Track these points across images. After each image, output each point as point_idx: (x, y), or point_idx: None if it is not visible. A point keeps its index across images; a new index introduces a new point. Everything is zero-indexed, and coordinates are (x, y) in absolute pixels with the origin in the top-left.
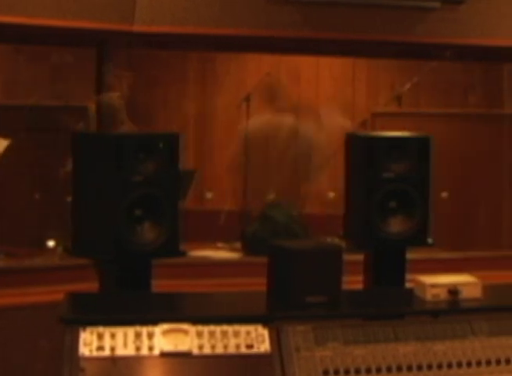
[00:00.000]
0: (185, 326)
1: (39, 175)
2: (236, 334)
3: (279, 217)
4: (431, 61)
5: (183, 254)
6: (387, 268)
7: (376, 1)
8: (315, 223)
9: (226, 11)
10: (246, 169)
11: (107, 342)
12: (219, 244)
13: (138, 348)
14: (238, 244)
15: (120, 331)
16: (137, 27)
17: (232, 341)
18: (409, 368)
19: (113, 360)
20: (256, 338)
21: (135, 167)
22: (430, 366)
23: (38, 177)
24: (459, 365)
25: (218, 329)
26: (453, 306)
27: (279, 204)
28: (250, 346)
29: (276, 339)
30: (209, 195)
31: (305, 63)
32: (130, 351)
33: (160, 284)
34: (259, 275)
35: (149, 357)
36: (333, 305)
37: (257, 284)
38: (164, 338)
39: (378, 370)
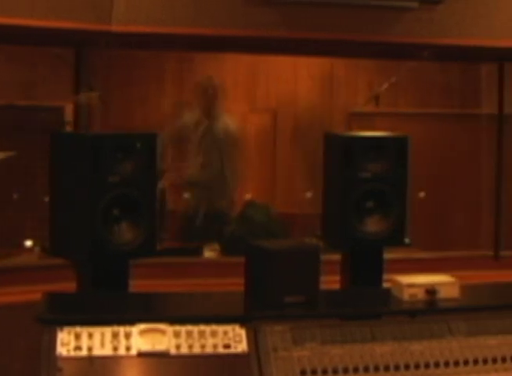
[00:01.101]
0: (162, 326)
1: (16, 174)
2: (214, 334)
3: (258, 217)
4: (409, 61)
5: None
6: (365, 268)
7: (353, 1)
8: (292, 223)
9: (203, 11)
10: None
11: (85, 342)
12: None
13: (115, 348)
14: (216, 244)
15: (97, 331)
16: (114, 27)
17: (210, 341)
18: (387, 368)
19: (91, 360)
20: (233, 338)
21: (112, 167)
22: (407, 366)
23: (16, 177)
24: (437, 365)
25: (195, 329)
26: (431, 306)
27: (257, 203)
28: (227, 346)
29: (254, 339)
30: (186, 195)
31: (283, 63)
32: (107, 351)
33: (137, 284)
34: (237, 275)
35: (127, 357)
36: (311, 305)
37: (235, 284)
38: (141, 338)
39: (355, 370)
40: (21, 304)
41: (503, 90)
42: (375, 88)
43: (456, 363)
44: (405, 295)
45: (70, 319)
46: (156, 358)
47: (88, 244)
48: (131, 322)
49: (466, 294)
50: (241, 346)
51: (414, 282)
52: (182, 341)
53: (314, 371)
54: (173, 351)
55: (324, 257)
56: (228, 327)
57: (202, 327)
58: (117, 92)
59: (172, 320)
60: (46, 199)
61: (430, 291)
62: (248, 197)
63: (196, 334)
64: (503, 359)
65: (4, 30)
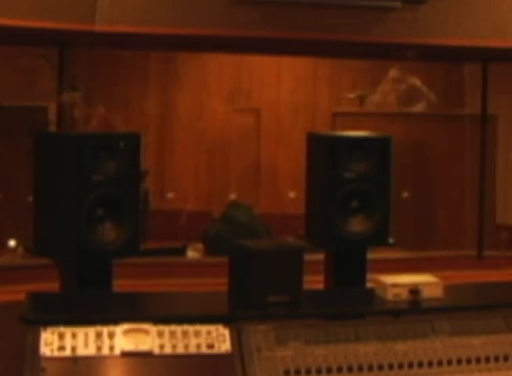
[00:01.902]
0: (146, 326)
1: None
2: (197, 334)
3: (241, 217)
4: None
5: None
6: (348, 268)
7: (337, 1)
8: (276, 223)
9: (187, 11)
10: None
11: (68, 342)
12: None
13: (99, 348)
14: (200, 244)
15: (81, 331)
16: (98, 27)
17: (193, 341)
18: (370, 368)
19: (74, 360)
20: (217, 338)
21: (95, 166)
22: (391, 366)
23: None
24: (421, 365)
25: (178, 329)
26: (414, 306)
27: (241, 204)
28: (210, 346)
29: (237, 339)
30: (170, 195)
31: (267, 63)
32: (91, 351)
33: (121, 284)
34: (221, 275)
35: (110, 357)
36: (295, 304)
37: (219, 284)
38: (124, 338)
39: (339, 369)
40: (4, 304)
41: (487, 90)
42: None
43: (440, 363)
44: (389, 295)
45: (53, 319)
46: (139, 358)
47: (72, 243)
48: (115, 322)
49: (449, 294)
50: (225, 346)
51: (398, 282)
52: (166, 341)
53: (297, 371)
54: (156, 351)
55: (308, 257)
56: (212, 327)
57: (185, 327)
58: (101, 92)
59: (156, 320)
60: (30, 199)
61: (414, 290)
62: (232, 197)
63: (179, 334)
64: (487, 359)
65: None
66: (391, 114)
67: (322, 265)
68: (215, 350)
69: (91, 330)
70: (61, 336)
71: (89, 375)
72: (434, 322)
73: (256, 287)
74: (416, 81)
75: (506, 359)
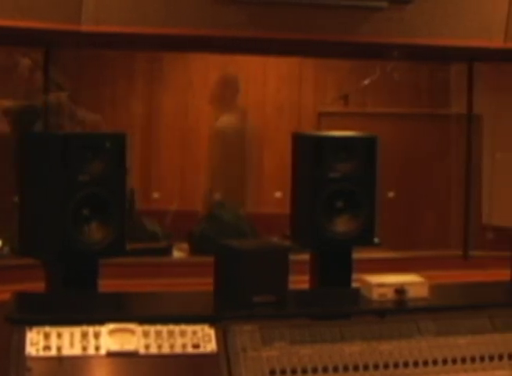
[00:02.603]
0: (131, 325)
1: None
2: (183, 334)
3: (227, 216)
4: (379, 61)
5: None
6: (334, 268)
7: (323, 0)
8: (262, 223)
9: (172, 11)
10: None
11: (54, 342)
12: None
13: (84, 348)
14: (185, 244)
15: (66, 331)
16: (84, 27)
17: (179, 341)
18: (356, 368)
19: (60, 360)
20: (202, 338)
21: (81, 166)
22: (376, 366)
23: None
24: (406, 365)
25: (164, 329)
26: (400, 306)
27: (226, 203)
28: (196, 346)
29: (223, 339)
30: (156, 195)
31: (252, 63)
32: (76, 351)
33: (107, 284)
34: (206, 275)
35: (96, 357)
36: (280, 304)
37: (204, 284)
38: (110, 338)
39: (325, 370)
40: None
41: (473, 90)
42: (345, 88)
43: (426, 363)
44: (375, 295)
45: (39, 318)
46: (125, 358)
47: (58, 243)
48: (101, 322)
49: (435, 293)
50: (210, 346)
51: (383, 282)
52: (151, 340)
53: (283, 371)
54: (142, 351)
55: (293, 257)
56: (198, 327)
57: (171, 327)
58: (87, 91)
59: (141, 320)
60: (16, 199)
61: (400, 290)
62: (217, 196)
63: (165, 334)
64: (473, 359)
65: None
66: (377, 114)
67: (308, 265)
68: (201, 350)
69: (77, 330)
70: (46, 336)
71: (75, 375)
72: (419, 322)
73: (241, 287)
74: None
75: (491, 359)
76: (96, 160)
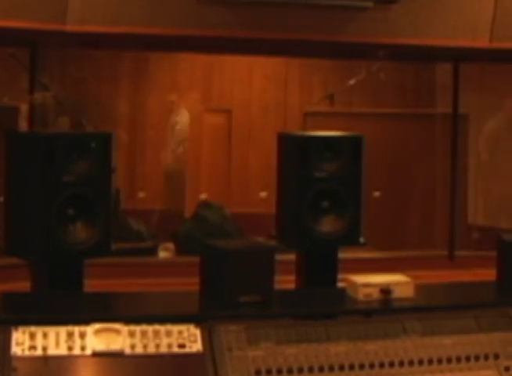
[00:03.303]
0: (117, 325)
1: None
2: (168, 334)
3: (212, 217)
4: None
5: None
6: (320, 267)
7: (308, 1)
8: (247, 223)
9: (158, 11)
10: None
11: (39, 342)
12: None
13: (70, 348)
14: (171, 244)
15: (52, 331)
16: (69, 27)
17: (165, 341)
18: (341, 368)
19: (46, 360)
20: (188, 338)
21: (67, 166)
22: (362, 366)
23: None
24: (392, 364)
25: (150, 329)
26: (385, 306)
27: (212, 203)
28: (182, 346)
29: (208, 339)
30: (141, 194)
31: (238, 63)
32: (62, 350)
33: (92, 284)
34: (192, 275)
35: (82, 357)
36: (266, 304)
37: (190, 284)
38: (96, 338)
39: (310, 369)
40: None
41: (458, 89)
42: (330, 88)
43: (411, 363)
44: (360, 295)
45: (24, 318)
46: (110, 358)
47: (43, 243)
48: (86, 322)
49: (420, 293)
50: (196, 346)
51: (369, 282)
52: (137, 340)
53: (269, 371)
54: (128, 351)
55: (279, 257)
56: (183, 327)
57: (157, 327)
58: (72, 91)
59: (127, 320)
60: (1, 199)
61: (385, 290)
62: (203, 197)
63: (150, 334)
64: (458, 359)
65: None
66: (363, 114)
67: (294, 265)
68: (186, 350)
69: (63, 330)
70: (32, 336)
71: (60, 375)
72: (405, 322)
73: (227, 286)
74: None
75: (477, 359)
76: (82, 160)
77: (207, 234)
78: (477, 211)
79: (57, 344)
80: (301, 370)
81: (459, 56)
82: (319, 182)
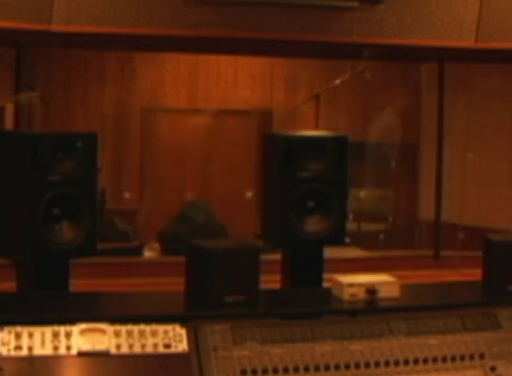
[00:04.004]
0: (102, 325)
1: None
2: (154, 334)
3: (198, 217)
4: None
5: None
6: (305, 267)
7: (294, 0)
8: (233, 222)
9: (143, 11)
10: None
11: (25, 342)
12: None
13: (55, 348)
14: (156, 244)
15: (38, 331)
16: (55, 27)
17: (150, 341)
18: (327, 368)
19: (31, 360)
20: (174, 338)
21: (52, 166)
22: (347, 366)
23: None
24: (377, 364)
25: (135, 328)
26: (371, 306)
27: (197, 203)
28: (167, 346)
29: (194, 339)
30: (127, 195)
31: (224, 63)
32: (48, 350)
33: (78, 284)
34: (177, 274)
35: (67, 356)
36: (251, 304)
37: (176, 284)
38: (81, 338)
39: (296, 369)
40: None
41: (443, 89)
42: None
43: (397, 363)
44: (346, 295)
45: (10, 318)
46: (96, 357)
47: (29, 243)
48: (72, 321)
49: (406, 293)
50: (181, 346)
51: (354, 281)
52: (123, 340)
53: (254, 371)
54: (113, 350)
55: (265, 256)
56: (169, 327)
57: (142, 327)
58: (58, 91)
59: (112, 320)
60: None
61: (371, 290)
62: (189, 196)
63: (136, 334)
64: (443, 359)
65: None
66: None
67: (279, 265)
68: (172, 350)
69: (48, 330)
70: (18, 336)
71: (46, 375)
72: (390, 322)
73: (212, 286)
74: None
75: (462, 359)
76: (67, 160)
77: (193, 234)
78: (462, 211)
79: (43, 344)
80: (286, 369)
81: (444, 56)
82: (304, 182)
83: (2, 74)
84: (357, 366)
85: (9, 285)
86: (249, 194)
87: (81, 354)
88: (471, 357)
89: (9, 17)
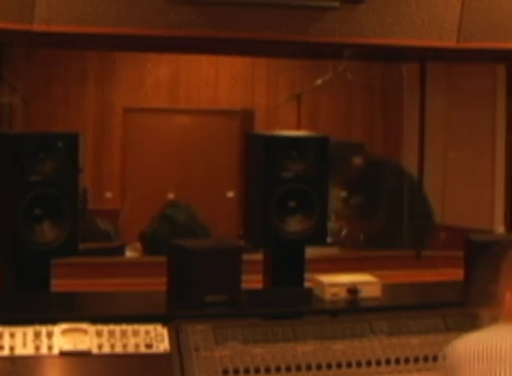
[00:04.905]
0: (84, 325)
1: None
2: (136, 334)
3: (179, 216)
4: (332, 61)
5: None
6: (287, 267)
7: (275, 0)
8: (214, 222)
9: (124, 11)
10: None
11: (6, 342)
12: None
13: (37, 348)
14: (138, 244)
15: (19, 331)
16: (36, 27)
17: (132, 341)
18: (309, 367)
19: (13, 360)
20: (155, 338)
21: (34, 166)
22: (329, 366)
23: None
24: (359, 364)
25: (117, 328)
26: (352, 305)
27: (179, 203)
28: (149, 346)
29: (176, 338)
30: (108, 194)
31: (205, 63)
32: (29, 350)
33: (59, 284)
34: (159, 274)
35: (49, 356)
36: (233, 304)
37: (157, 284)
38: (63, 338)
39: (277, 369)
40: None
41: (425, 89)
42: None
43: (378, 363)
44: (327, 295)
45: None
46: (78, 357)
47: (10, 243)
48: (54, 321)
49: (388, 293)
50: (163, 346)
51: (336, 281)
52: (104, 340)
53: (236, 371)
54: (95, 350)
55: (246, 256)
56: (150, 327)
57: (124, 327)
58: (39, 91)
59: (94, 320)
60: None
61: (352, 290)
62: (170, 196)
63: (118, 334)
64: (425, 359)
65: None
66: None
67: (261, 265)
68: (154, 350)
69: (30, 330)
70: None
71: (28, 375)
72: (372, 321)
73: (194, 286)
74: None
75: (444, 358)
76: (49, 160)
77: (174, 234)
78: (444, 211)
79: (24, 344)
80: (268, 369)
81: (425, 56)
82: (285, 182)
83: None
84: (339, 365)
85: None
86: (230, 194)
87: (62, 354)
88: None
89: None
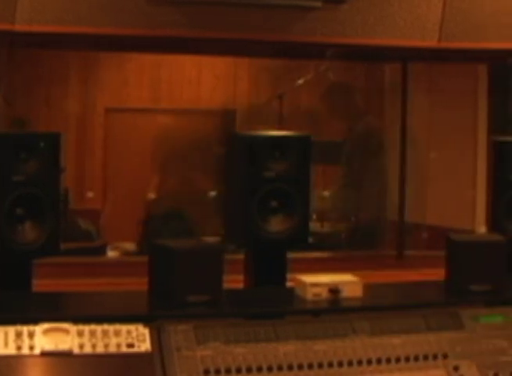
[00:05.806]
0: (65, 325)
1: None
2: (117, 334)
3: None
4: (314, 61)
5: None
6: (268, 267)
7: (257, 0)
8: (196, 222)
9: (106, 11)
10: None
11: None
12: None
13: (18, 348)
14: (119, 243)
15: (0, 331)
16: (18, 27)
17: (113, 341)
18: (290, 367)
19: None
20: (137, 337)
21: (15, 166)
22: (311, 366)
23: None
24: (341, 364)
25: (99, 328)
26: (334, 305)
27: (161, 203)
28: (130, 345)
29: (157, 338)
30: (90, 194)
31: (187, 63)
32: (11, 350)
33: (41, 284)
34: (141, 274)
35: (30, 356)
36: (214, 304)
37: (139, 284)
38: (44, 337)
39: (259, 369)
40: None
41: (407, 89)
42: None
43: (360, 363)
44: (309, 295)
45: None
46: (59, 357)
47: None
48: (35, 321)
49: (369, 293)
50: (145, 345)
51: (317, 281)
52: (86, 340)
53: (217, 371)
54: (76, 350)
55: (228, 256)
56: (132, 327)
57: (105, 327)
58: (21, 91)
59: (76, 319)
60: None
61: (334, 290)
62: (151, 196)
63: (99, 334)
64: (407, 359)
65: None
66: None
67: (242, 265)
68: (135, 349)
69: (11, 330)
70: None
71: (9, 375)
72: (354, 321)
73: (176, 286)
74: None
75: (425, 358)
76: (30, 159)
77: (156, 233)
78: (425, 210)
79: (6, 344)
80: (249, 369)
81: (407, 56)
82: (267, 182)
83: None
84: (320, 366)
85: None
86: (212, 194)
87: (44, 354)
88: (434, 357)
89: None
